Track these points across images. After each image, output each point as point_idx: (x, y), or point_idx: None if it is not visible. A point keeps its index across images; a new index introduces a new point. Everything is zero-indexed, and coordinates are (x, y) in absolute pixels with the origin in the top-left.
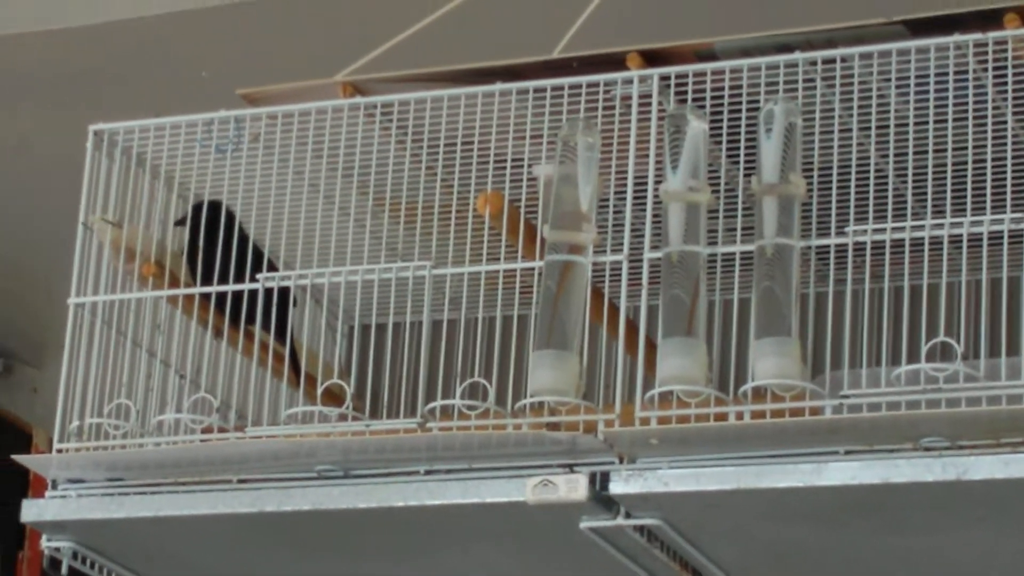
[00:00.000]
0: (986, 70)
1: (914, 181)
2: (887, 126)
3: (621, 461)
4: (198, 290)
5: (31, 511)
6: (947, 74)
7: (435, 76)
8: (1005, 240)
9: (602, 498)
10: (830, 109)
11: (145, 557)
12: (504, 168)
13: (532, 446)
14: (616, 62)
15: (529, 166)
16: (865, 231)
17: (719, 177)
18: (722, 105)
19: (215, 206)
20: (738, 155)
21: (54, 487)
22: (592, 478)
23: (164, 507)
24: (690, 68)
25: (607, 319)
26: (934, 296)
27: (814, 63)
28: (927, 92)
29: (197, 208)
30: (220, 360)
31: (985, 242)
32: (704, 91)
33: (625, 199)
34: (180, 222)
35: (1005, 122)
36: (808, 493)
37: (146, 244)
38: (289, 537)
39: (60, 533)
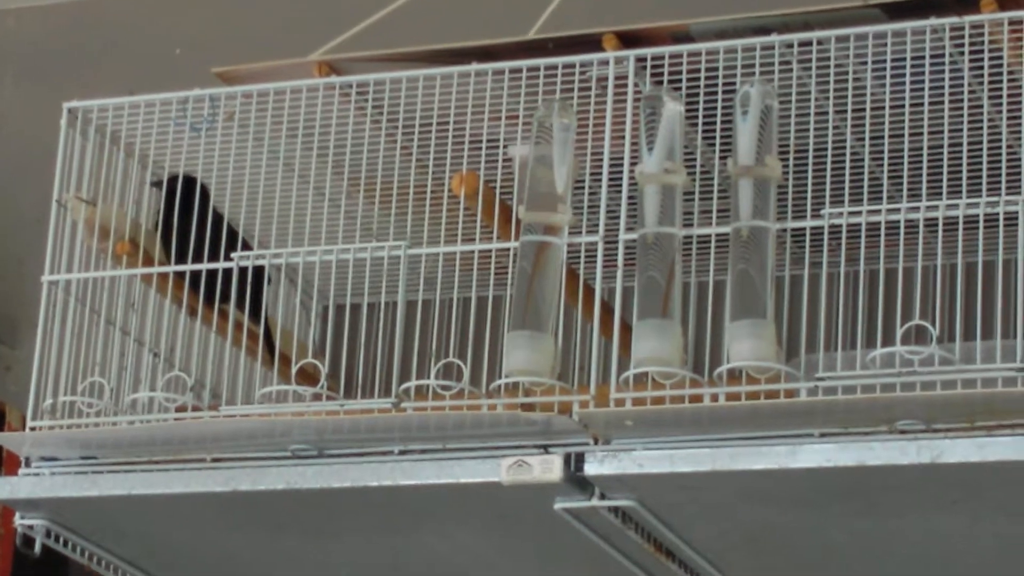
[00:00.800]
0: (962, 54)
1: (890, 165)
2: (863, 109)
3: (596, 442)
4: (172, 268)
5: (4, 489)
6: (923, 58)
7: (411, 56)
8: (980, 224)
9: (576, 479)
10: (806, 92)
11: (118, 535)
12: (480, 149)
13: (507, 427)
14: (592, 43)
15: (505, 147)
16: (841, 214)
17: (695, 159)
18: (698, 87)
19: (189, 180)
20: (714, 137)
21: (27, 465)
22: (567, 459)
23: (137, 486)
24: (666, 50)
25: (582, 300)
26: (909, 279)
27: (790, 45)
28: (903, 75)
29: (172, 180)
30: (194, 339)
31: (960, 226)
32: (680, 73)
33: (601, 180)
34: (156, 184)
35: (981, 106)
36: (783, 475)
37: (120, 222)
38: (263, 516)
39: (33, 511)
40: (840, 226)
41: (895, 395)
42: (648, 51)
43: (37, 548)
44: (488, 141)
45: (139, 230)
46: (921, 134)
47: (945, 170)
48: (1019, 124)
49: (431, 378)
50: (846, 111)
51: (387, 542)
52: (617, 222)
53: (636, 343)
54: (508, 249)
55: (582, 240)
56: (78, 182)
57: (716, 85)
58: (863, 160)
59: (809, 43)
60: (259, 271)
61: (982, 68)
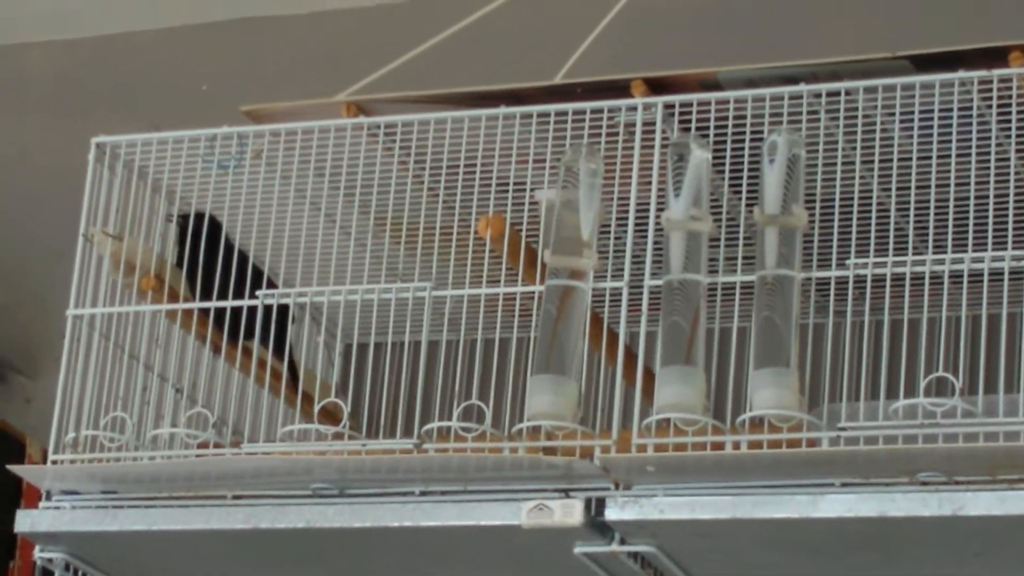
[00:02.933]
0: (990, 107)
1: (916, 216)
2: (890, 160)
3: (617, 487)
4: (197, 305)
5: (25, 521)
6: (951, 110)
7: (439, 98)
8: (1006, 277)
9: (597, 524)
10: (833, 142)
11: (138, 570)
12: (506, 192)
13: (528, 470)
14: (620, 89)
15: (531, 190)
16: (866, 264)
17: (721, 206)
18: (725, 135)
19: (207, 218)
20: (740, 185)
21: (48, 498)
22: (587, 503)
23: (158, 521)
24: (694, 97)
25: (606, 345)
26: (933, 331)
27: (818, 95)
28: (931, 127)
29: (189, 217)
30: (217, 375)
31: (986, 278)
32: (708, 120)
33: (626, 226)
34: (171, 218)
35: (1008, 159)
36: (804, 525)
37: (146, 257)
38: (283, 555)
39: (53, 544)
40: (865, 276)
41: (917, 447)
42: (676, 98)
43: None
44: (515, 184)
45: (164, 266)
46: (948, 186)
47: (971, 222)
48: None
49: (453, 419)
50: (873, 161)
51: None
52: (642, 268)
53: (659, 389)
54: (533, 292)
55: (607, 285)
56: (104, 217)
57: (744, 133)
58: (889, 211)
59: (837, 93)
60: (283, 309)
61: (1010, 121)
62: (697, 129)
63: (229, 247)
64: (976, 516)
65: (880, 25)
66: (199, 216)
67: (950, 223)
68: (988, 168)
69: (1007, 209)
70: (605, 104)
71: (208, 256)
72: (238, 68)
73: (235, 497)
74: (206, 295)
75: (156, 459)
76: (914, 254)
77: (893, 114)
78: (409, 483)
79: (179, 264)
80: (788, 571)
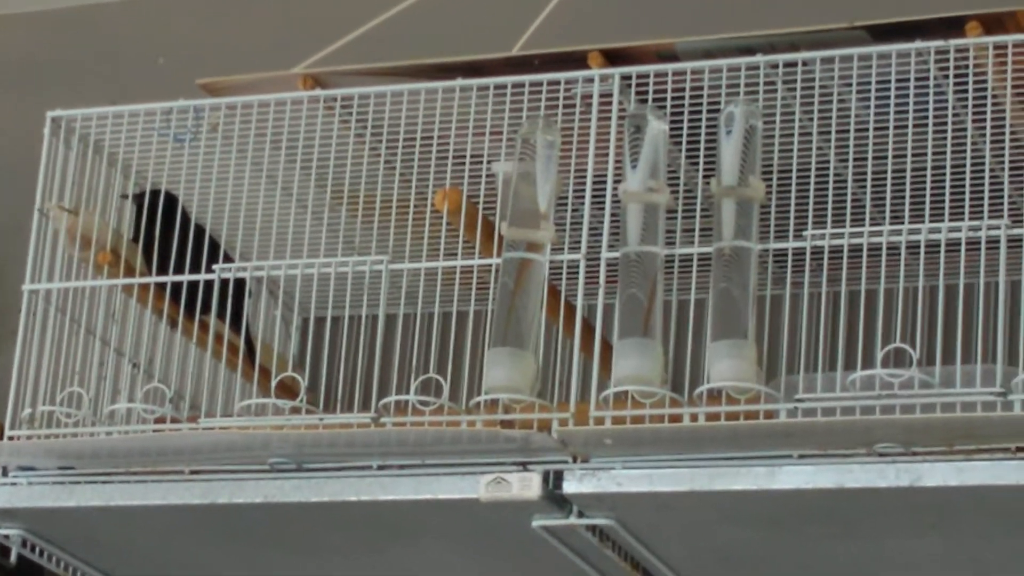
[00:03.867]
0: (947, 77)
1: (873, 187)
2: (847, 131)
3: (575, 460)
4: (153, 279)
5: None
6: (908, 80)
7: (396, 70)
8: (962, 247)
9: (555, 497)
10: (790, 113)
11: (95, 546)
12: (463, 164)
13: (486, 443)
14: (577, 60)
15: (488, 163)
16: (823, 235)
17: (678, 178)
18: (683, 106)
19: (162, 194)
20: (698, 156)
21: (4, 474)
22: (545, 477)
23: (115, 497)
24: (651, 68)
25: (563, 318)
26: (890, 302)
27: (775, 66)
28: (888, 98)
29: (141, 196)
30: (174, 350)
31: (943, 249)
32: (665, 91)
33: (584, 198)
34: (127, 196)
35: (964, 129)
36: (761, 496)
37: (102, 232)
38: (241, 530)
39: (10, 520)
40: (822, 247)
41: (874, 418)
42: (633, 69)
43: (13, 558)
44: (472, 157)
45: (121, 240)
46: (904, 157)
47: (928, 193)
48: (1002, 148)
49: (411, 393)
50: (830, 132)
51: (365, 557)
52: (599, 240)
53: (617, 361)
54: (490, 265)
55: (564, 258)
56: (60, 191)
57: (701, 104)
58: (846, 182)
59: (794, 64)
60: (240, 283)
61: (966, 92)
62: (654, 100)
63: (186, 221)
64: (933, 487)
65: None
66: (155, 193)
67: (907, 194)
68: (945, 139)
69: (963, 180)
70: (562, 76)
71: (165, 231)
72: (194, 41)
73: (192, 472)
74: (163, 269)
75: (113, 434)
76: (871, 225)
77: (850, 85)
78: (367, 457)
79: (135, 239)
80: (747, 543)
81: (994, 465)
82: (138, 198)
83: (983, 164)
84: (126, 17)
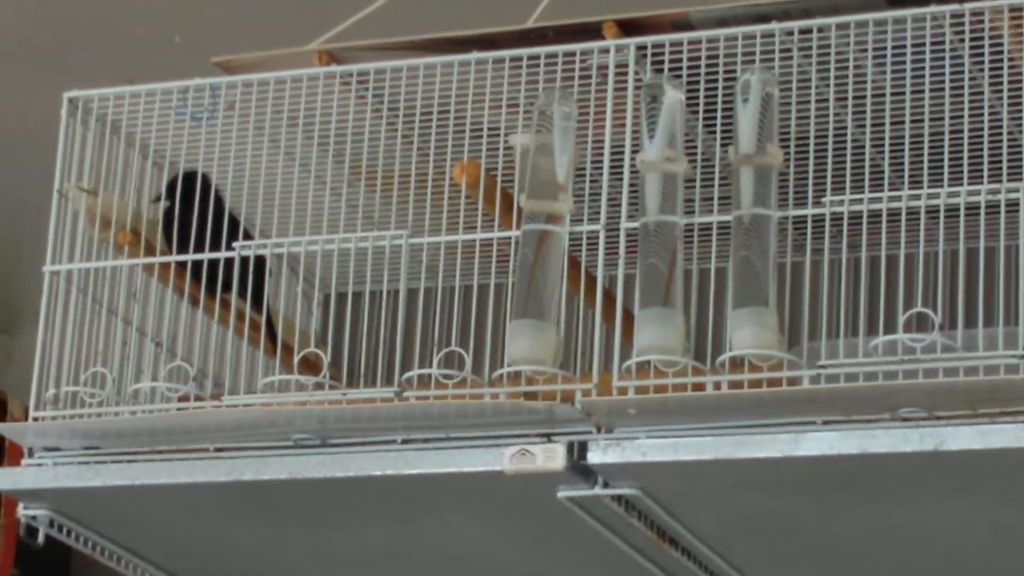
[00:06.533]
0: (963, 41)
1: (891, 152)
2: (864, 97)
3: (599, 431)
4: (174, 258)
5: (7, 479)
6: (924, 45)
7: (411, 45)
8: (982, 211)
9: (580, 468)
10: (807, 79)
11: (122, 525)
12: (480, 137)
13: (509, 415)
14: (592, 31)
15: (505, 135)
16: (842, 202)
17: (696, 147)
18: (699, 75)
19: (191, 175)
20: (715, 125)
21: (30, 455)
22: (570, 448)
23: (141, 476)
24: (666, 38)
25: (584, 289)
26: (911, 266)
27: (791, 33)
28: (904, 63)
29: (174, 181)
30: (196, 328)
31: (962, 213)
32: (680, 61)
33: (602, 169)
34: (157, 199)
35: (981, 93)
36: (786, 463)
37: (121, 212)
38: (266, 506)
39: (36, 501)
40: (841, 213)
41: (897, 383)
42: (648, 39)
43: (40, 538)
44: (489, 130)
45: (140, 219)
46: (922, 121)
47: (946, 157)
48: (1020, 111)
49: (433, 367)
50: (847, 98)
51: (390, 531)
52: (618, 210)
53: (638, 331)
54: (509, 238)
55: (584, 229)
56: (79, 171)
57: (717, 73)
58: (864, 147)
59: (809, 31)
60: (260, 260)
61: (982, 55)
62: (670, 70)
63: (207, 198)
64: (957, 451)
65: None
66: (189, 176)
67: (925, 158)
68: (962, 102)
69: (981, 143)
70: (577, 47)
71: (184, 209)
72: (210, 19)
73: (217, 450)
74: (183, 248)
75: (137, 414)
76: (890, 190)
77: (866, 50)
78: (391, 432)
79: (165, 220)
80: (771, 510)
81: (1018, 428)
82: (169, 188)
83: (1001, 127)
84: None
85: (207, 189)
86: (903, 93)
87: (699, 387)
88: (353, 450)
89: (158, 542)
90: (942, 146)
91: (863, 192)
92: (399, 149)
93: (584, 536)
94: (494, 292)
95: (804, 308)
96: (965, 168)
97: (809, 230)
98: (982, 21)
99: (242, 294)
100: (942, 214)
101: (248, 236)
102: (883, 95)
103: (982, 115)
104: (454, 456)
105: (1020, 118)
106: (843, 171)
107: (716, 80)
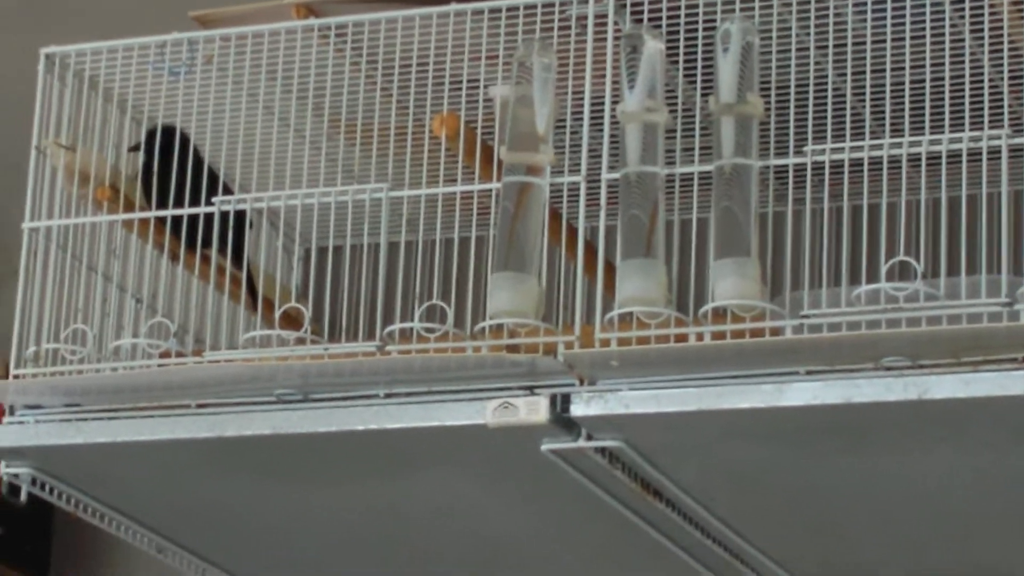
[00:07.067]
0: None
1: (872, 100)
2: (845, 45)
3: (581, 383)
4: (153, 214)
5: None
6: None
7: None
8: (964, 158)
9: (563, 420)
10: (787, 28)
11: (104, 483)
12: (460, 90)
13: (491, 368)
14: None
15: (485, 87)
16: (823, 151)
17: (676, 97)
18: (678, 25)
19: (169, 130)
20: (695, 75)
21: (11, 413)
22: (552, 400)
23: (123, 433)
24: None
25: (565, 241)
26: (893, 215)
27: None
28: (884, 10)
29: (151, 133)
30: (177, 284)
31: (944, 161)
32: (660, 11)
33: (582, 120)
34: (134, 148)
35: (962, 40)
36: (769, 414)
37: (100, 168)
38: (249, 462)
39: (18, 459)
40: (823, 163)
41: (881, 332)
42: None
43: (23, 496)
44: (468, 82)
45: (119, 175)
46: (903, 69)
47: (928, 105)
48: (1001, 58)
49: (415, 321)
50: (827, 47)
51: (373, 485)
52: (599, 162)
53: (620, 283)
54: (490, 190)
55: (564, 180)
56: (57, 128)
57: (696, 22)
58: (845, 96)
59: None
60: (241, 215)
61: (963, 2)
62: (650, 20)
63: (198, 157)
64: (941, 399)
65: None
66: (167, 131)
67: (906, 106)
68: (943, 50)
69: (963, 91)
70: None
71: (164, 164)
72: None
73: (199, 406)
74: (162, 204)
75: (118, 370)
76: (871, 139)
77: None
78: (373, 386)
79: (144, 176)
80: (755, 461)
81: (1001, 376)
82: (149, 138)
83: (982, 75)
84: None
85: (185, 144)
86: (884, 41)
87: (682, 338)
88: (335, 405)
89: (141, 499)
90: (923, 94)
91: (844, 141)
92: (378, 102)
93: (568, 489)
94: (475, 245)
95: (786, 258)
96: (947, 116)
97: (791, 180)
98: None
99: (222, 250)
100: (923, 162)
101: (228, 191)
102: (864, 43)
103: (963, 63)
104: (437, 410)
105: (1001, 65)
106: (824, 120)
107: (696, 30)
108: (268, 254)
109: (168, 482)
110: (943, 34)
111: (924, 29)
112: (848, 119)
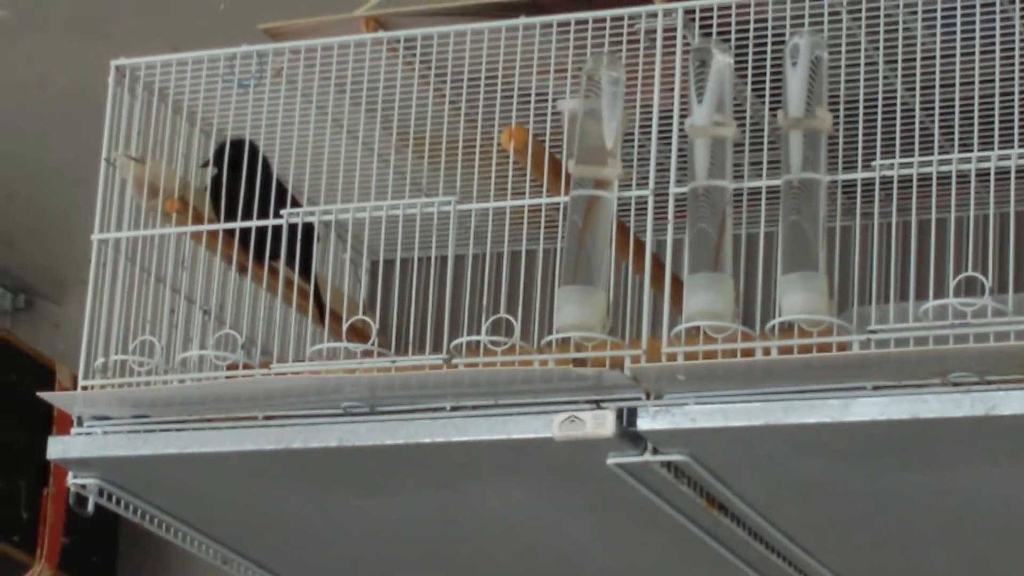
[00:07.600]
0: (1013, 2)
1: (941, 114)
2: (913, 59)
3: (648, 397)
4: (222, 226)
5: (57, 448)
6: (974, 6)
7: (458, 10)
8: None
9: (629, 434)
10: (856, 42)
11: (171, 494)
12: (528, 103)
13: (558, 382)
14: None
15: (553, 101)
16: (892, 165)
17: (744, 111)
18: (747, 39)
19: (239, 143)
20: (763, 89)
21: (79, 424)
22: (619, 414)
23: (190, 444)
24: (715, 1)
25: (633, 254)
26: (961, 230)
27: None
28: (954, 24)
29: (221, 146)
30: (244, 296)
31: (1013, 175)
32: (729, 25)
33: (650, 134)
34: (205, 164)
35: None
36: (836, 429)
37: (169, 180)
38: (315, 474)
39: (86, 470)
40: (891, 177)
41: (948, 347)
42: (696, 3)
43: (90, 507)
44: (537, 95)
45: (188, 187)
46: (972, 83)
47: (996, 119)
48: None
49: (482, 334)
50: (896, 61)
51: (439, 498)
52: (667, 175)
53: (687, 297)
54: (558, 204)
55: (632, 194)
56: (126, 140)
57: (765, 36)
58: (913, 110)
59: None
60: (308, 228)
61: None
62: (719, 34)
63: (267, 170)
64: (1009, 415)
65: None
66: (237, 144)
67: (975, 121)
68: (1012, 64)
69: None
70: (625, 11)
71: (233, 177)
72: None
73: (266, 418)
74: (230, 216)
75: (186, 382)
76: (940, 153)
77: (915, 12)
78: (440, 399)
79: (213, 188)
80: (821, 476)
81: None
82: (217, 155)
83: None
84: None
85: (255, 156)
86: (953, 55)
87: (748, 353)
88: (402, 417)
89: (206, 510)
90: (992, 109)
91: (913, 155)
92: (447, 115)
93: (633, 502)
94: (542, 258)
95: (853, 273)
96: (1016, 131)
97: (859, 194)
98: None
99: (290, 262)
100: (992, 177)
101: (296, 203)
102: (933, 57)
103: None
104: (503, 423)
105: None
106: (893, 135)
107: (765, 44)
108: (335, 267)
109: (234, 493)
110: (1012, 48)
111: (994, 42)
112: (917, 133)
